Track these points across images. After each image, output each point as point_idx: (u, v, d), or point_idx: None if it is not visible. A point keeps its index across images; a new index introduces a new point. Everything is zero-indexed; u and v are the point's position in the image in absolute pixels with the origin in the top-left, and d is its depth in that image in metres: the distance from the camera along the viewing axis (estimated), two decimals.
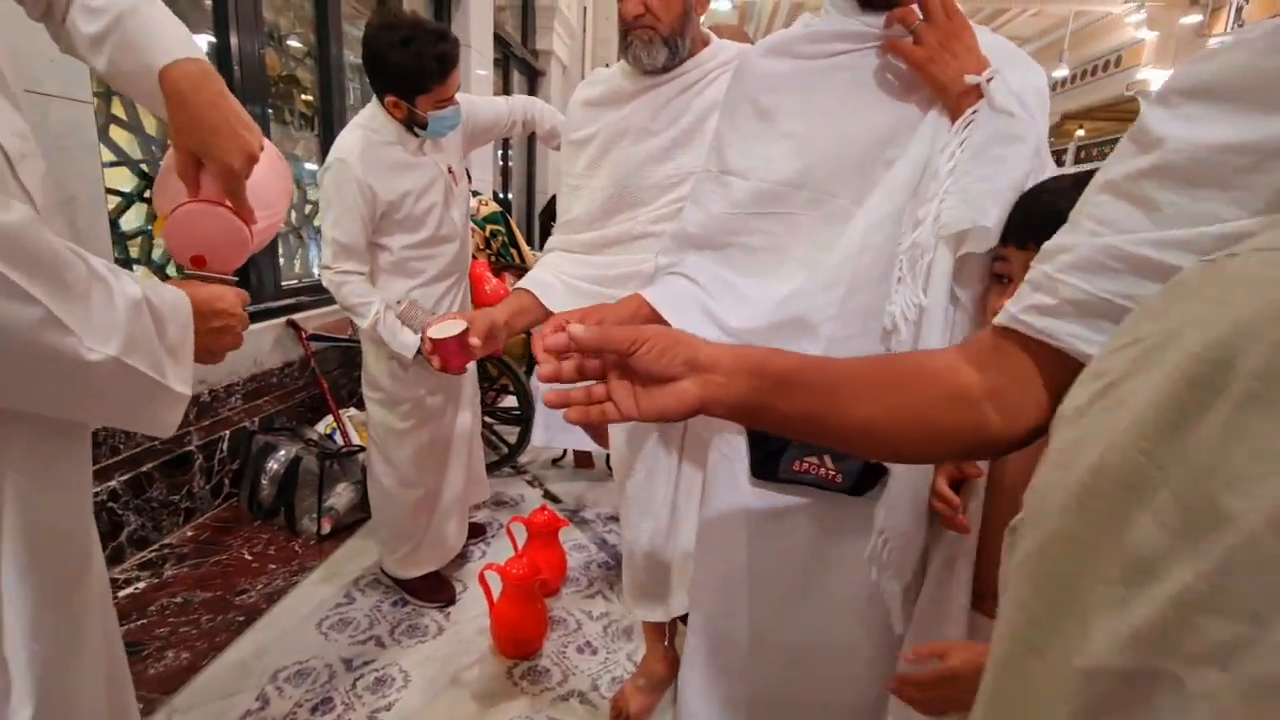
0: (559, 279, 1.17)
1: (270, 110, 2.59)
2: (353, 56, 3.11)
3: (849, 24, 0.86)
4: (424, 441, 1.74)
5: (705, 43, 1.17)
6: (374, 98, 1.58)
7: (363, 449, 2.24)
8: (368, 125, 1.57)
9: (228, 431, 2.25)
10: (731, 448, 0.98)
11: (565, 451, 2.88)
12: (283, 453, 2.19)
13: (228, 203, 0.73)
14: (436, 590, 1.83)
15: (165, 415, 0.61)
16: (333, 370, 2.83)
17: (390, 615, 1.76)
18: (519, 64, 5.47)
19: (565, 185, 1.25)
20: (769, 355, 0.54)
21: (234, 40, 2.28)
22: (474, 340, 1.05)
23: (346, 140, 1.56)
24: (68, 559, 0.60)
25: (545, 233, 3.56)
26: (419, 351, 1.57)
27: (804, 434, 0.55)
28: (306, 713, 1.41)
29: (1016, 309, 0.47)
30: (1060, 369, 0.44)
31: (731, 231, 0.97)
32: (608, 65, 1.30)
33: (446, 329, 1.05)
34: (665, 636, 1.46)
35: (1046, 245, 0.46)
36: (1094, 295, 0.41)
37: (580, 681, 1.56)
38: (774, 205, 0.91)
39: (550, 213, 3.53)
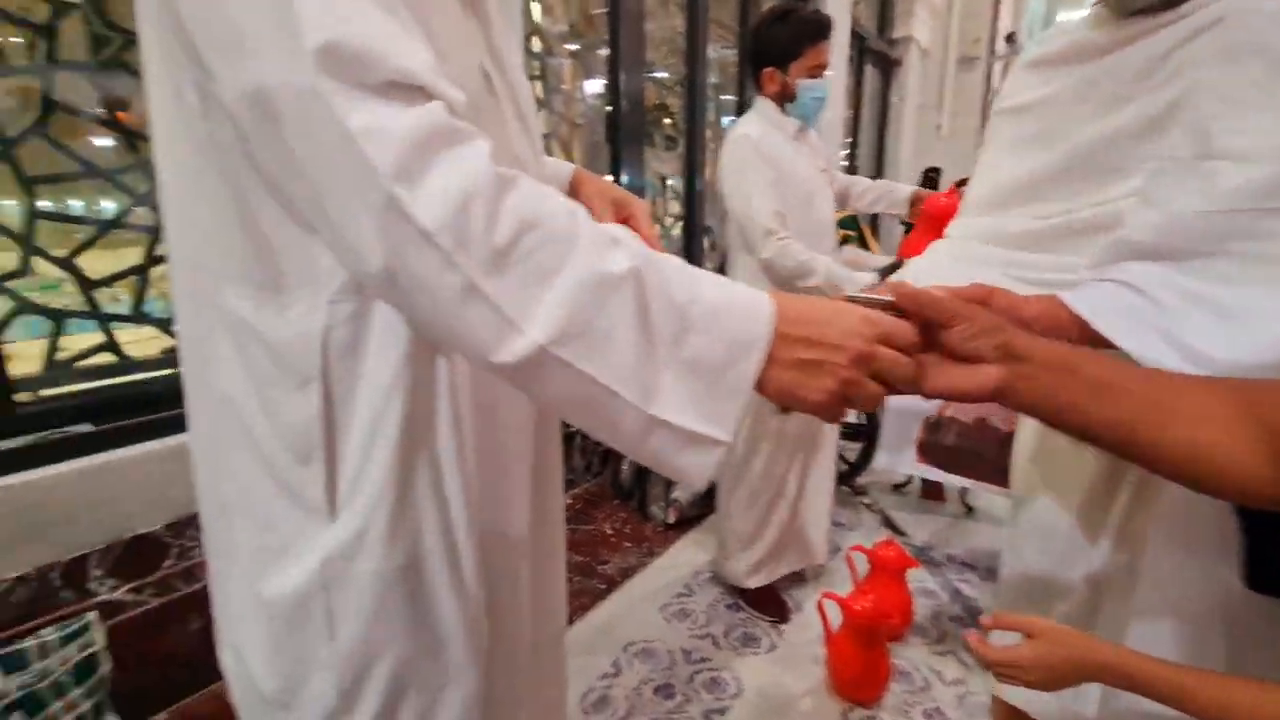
0: (947, 255, 0.98)
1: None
2: (712, 78, 3.32)
3: None
4: (774, 447, 1.72)
5: None
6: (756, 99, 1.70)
7: None
8: (757, 111, 1.69)
9: None
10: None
11: (910, 478, 2.60)
12: None
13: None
14: (770, 603, 1.80)
15: (670, 453, 0.46)
16: None
17: (725, 617, 1.79)
18: (873, 57, 5.17)
19: (983, 165, 1.05)
20: (1090, 355, 0.52)
21: (621, 79, 2.61)
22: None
23: (743, 124, 1.67)
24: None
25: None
26: None
27: (1112, 445, 0.51)
28: (650, 691, 1.51)
29: None
30: None
31: (1216, 237, 0.69)
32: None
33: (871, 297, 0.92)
34: None
35: None
36: None
37: None
38: None
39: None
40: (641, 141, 2.82)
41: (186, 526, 1.44)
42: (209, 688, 1.43)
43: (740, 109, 3.45)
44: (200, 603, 1.42)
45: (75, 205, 1.51)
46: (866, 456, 2.42)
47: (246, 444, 0.54)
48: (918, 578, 1.94)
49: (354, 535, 0.53)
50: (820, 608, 1.52)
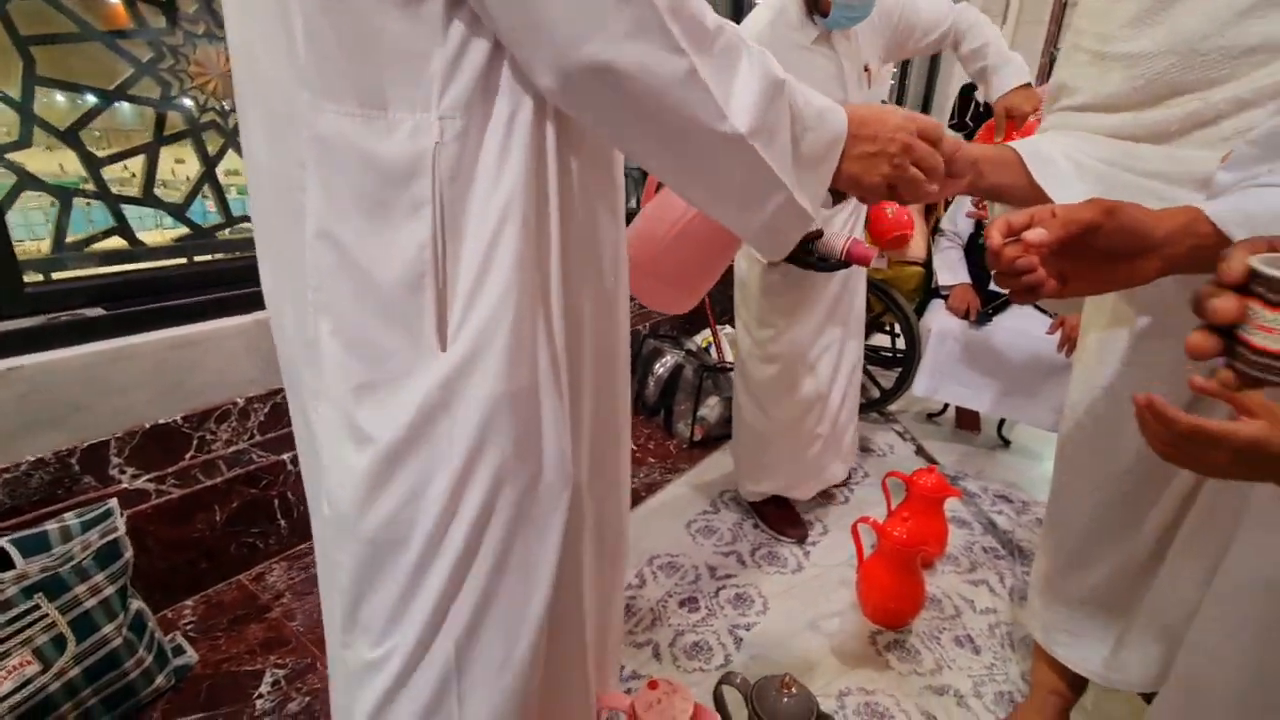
0: (1065, 155, 0.83)
1: None
2: None
3: None
4: (786, 369, 1.63)
5: None
6: None
7: (732, 367, 2.27)
8: (764, 14, 1.42)
9: None
10: None
11: (945, 407, 2.51)
12: (668, 359, 2.35)
13: None
14: (788, 523, 1.76)
15: (781, 229, 0.60)
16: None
17: (751, 536, 1.76)
18: None
19: (1079, 53, 0.89)
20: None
21: None
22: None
23: (753, 17, 1.44)
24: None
25: None
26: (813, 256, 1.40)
27: None
28: (675, 604, 1.49)
29: None
30: None
31: None
32: None
33: None
34: (1067, 696, 1.12)
35: None
36: None
37: (957, 679, 1.33)
38: None
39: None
40: None
41: (204, 419, 1.40)
42: (234, 577, 1.43)
43: None
44: (222, 496, 1.40)
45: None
46: (902, 382, 2.32)
47: (348, 275, 0.51)
48: (951, 507, 1.89)
49: (466, 361, 0.52)
50: (854, 531, 1.47)
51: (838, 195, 0.68)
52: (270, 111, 0.53)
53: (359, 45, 0.47)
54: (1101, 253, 0.56)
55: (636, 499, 1.89)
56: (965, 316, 2.13)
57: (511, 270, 0.52)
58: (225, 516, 1.40)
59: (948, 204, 2.38)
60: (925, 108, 5.43)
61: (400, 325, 0.52)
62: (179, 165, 1.56)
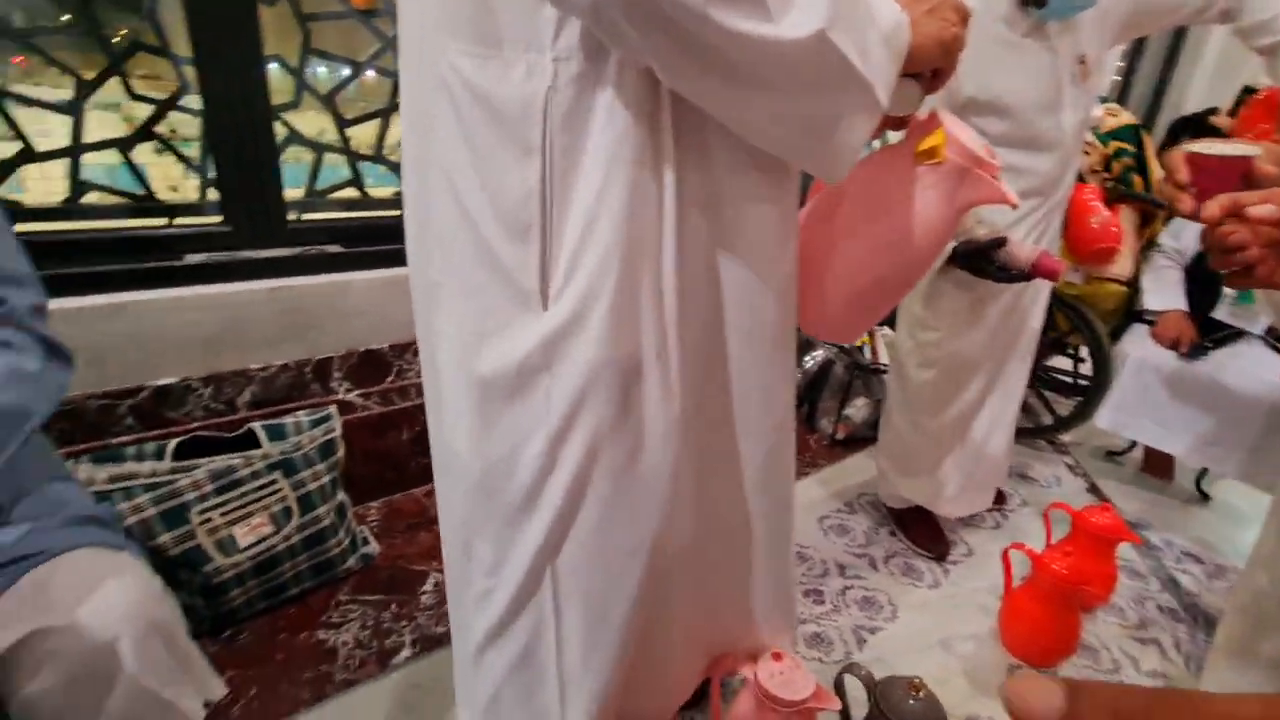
0: None
1: None
2: None
3: None
4: (943, 377, 1.53)
5: None
6: None
7: (886, 369, 2.18)
8: (972, 4, 1.31)
9: None
10: None
11: (1131, 445, 2.24)
12: (819, 353, 2.31)
13: None
14: (929, 538, 1.68)
15: (853, 131, 0.53)
16: None
17: (886, 543, 1.70)
18: None
19: None
20: None
21: None
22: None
23: None
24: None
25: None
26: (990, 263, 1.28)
27: None
28: (800, 594, 1.49)
29: None
30: None
31: None
32: None
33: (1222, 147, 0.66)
34: None
35: None
36: None
37: None
38: None
39: (1186, 127, 2.55)
40: None
41: (405, 350, 1.61)
42: (412, 490, 1.65)
43: None
44: (412, 417, 1.62)
45: (320, 70, 1.64)
46: (1083, 412, 2.10)
47: (463, 222, 0.52)
48: (1125, 555, 1.70)
49: (567, 323, 0.51)
50: (1005, 556, 1.38)
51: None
52: (412, 59, 0.54)
53: None
54: None
55: None
56: (1174, 347, 1.88)
57: (618, 227, 0.49)
58: (411, 436, 1.61)
59: (1169, 218, 2.09)
60: (1156, 104, 4.74)
61: (505, 278, 0.52)
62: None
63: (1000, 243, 1.25)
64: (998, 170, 0.68)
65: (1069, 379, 2.41)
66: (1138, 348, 1.93)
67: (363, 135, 1.70)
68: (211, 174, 1.43)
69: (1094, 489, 2.06)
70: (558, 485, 0.56)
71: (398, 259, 1.62)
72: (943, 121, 0.68)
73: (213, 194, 1.45)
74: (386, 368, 1.60)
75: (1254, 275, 0.54)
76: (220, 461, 1.19)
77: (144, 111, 1.38)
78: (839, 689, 1.02)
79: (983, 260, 1.28)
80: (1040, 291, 1.57)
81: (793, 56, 0.46)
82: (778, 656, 0.95)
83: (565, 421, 0.54)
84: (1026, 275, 1.24)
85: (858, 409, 2.20)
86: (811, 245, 0.75)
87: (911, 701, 0.90)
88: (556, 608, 0.61)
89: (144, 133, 1.39)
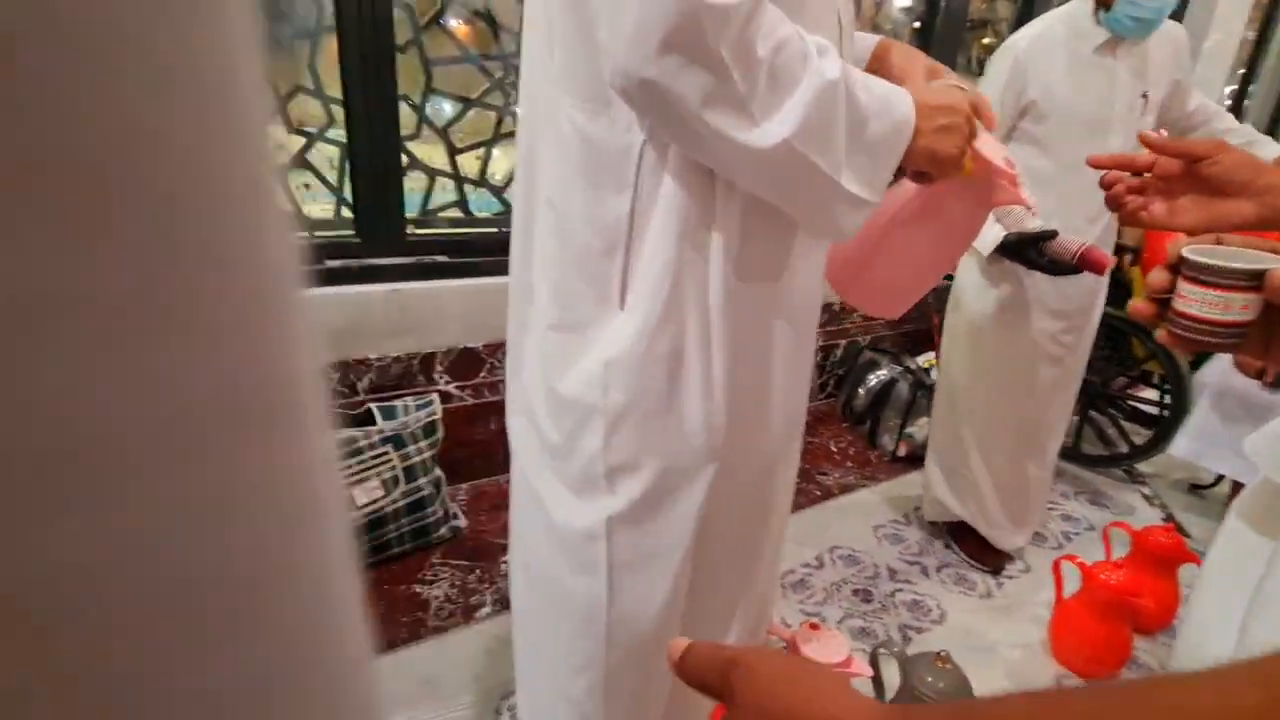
0: None
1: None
2: None
3: None
4: (999, 388, 1.56)
5: None
6: None
7: None
8: (1057, 14, 1.41)
9: (843, 341, 2.57)
10: None
11: (1218, 479, 2.15)
12: (884, 371, 2.36)
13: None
14: (984, 550, 1.69)
15: (838, 216, 0.61)
16: (943, 309, 2.83)
17: (940, 554, 1.74)
18: None
19: None
20: None
21: None
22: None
23: (1029, 26, 1.43)
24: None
25: None
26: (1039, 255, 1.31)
27: None
28: (849, 591, 1.57)
29: None
30: None
31: None
32: None
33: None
34: None
35: None
36: None
37: None
38: None
39: None
40: (954, 61, 2.54)
41: (496, 349, 1.82)
42: (496, 476, 1.84)
43: None
44: (499, 410, 1.81)
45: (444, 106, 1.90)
46: (1158, 443, 2.05)
47: (561, 238, 0.65)
48: (1188, 581, 1.66)
49: (635, 319, 0.63)
50: (1056, 567, 1.40)
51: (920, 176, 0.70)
52: (530, 111, 0.67)
53: (590, 54, 0.57)
54: (1210, 186, 0.66)
55: (827, 494, 1.98)
56: (1259, 376, 1.83)
57: (672, 245, 0.61)
58: (499, 427, 1.80)
59: None
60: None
61: (591, 282, 0.63)
62: (506, 158, 2.02)
63: (1051, 234, 1.29)
64: (1016, 177, 0.78)
65: (1154, 408, 2.35)
66: (1218, 374, 1.89)
67: (470, 163, 1.95)
68: (346, 194, 1.70)
69: (1172, 519, 2.00)
70: (610, 472, 0.67)
71: (493, 270, 1.85)
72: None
73: (345, 211, 1.72)
74: (480, 364, 1.82)
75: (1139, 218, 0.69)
76: (344, 434, 1.41)
77: (296, 143, 1.67)
78: (874, 666, 1.11)
79: (1032, 251, 1.32)
80: (1090, 314, 1.57)
81: (764, 160, 0.55)
82: (814, 626, 1.06)
83: (616, 417, 0.65)
84: (1074, 268, 1.27)
85: (921, 428, 2.23)
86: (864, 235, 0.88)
87: (937, 674, 0.98)
88: (610, 586, 0.70)
89: (299, 160, 1.68)
